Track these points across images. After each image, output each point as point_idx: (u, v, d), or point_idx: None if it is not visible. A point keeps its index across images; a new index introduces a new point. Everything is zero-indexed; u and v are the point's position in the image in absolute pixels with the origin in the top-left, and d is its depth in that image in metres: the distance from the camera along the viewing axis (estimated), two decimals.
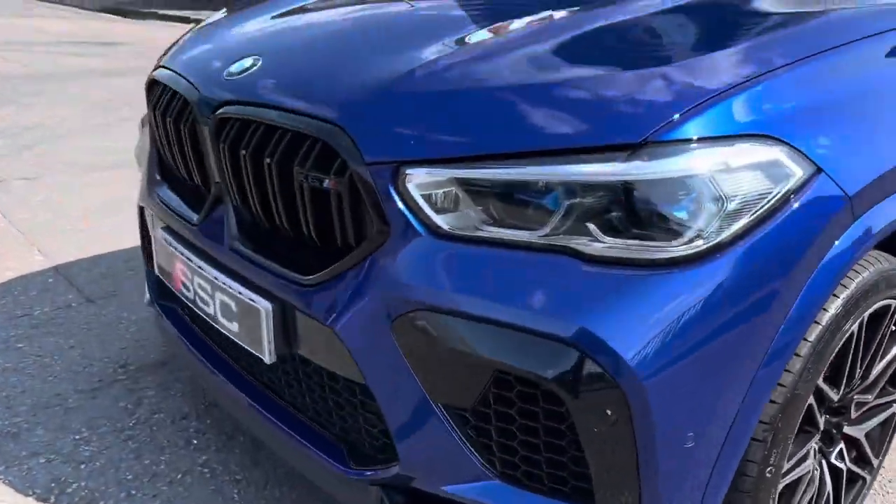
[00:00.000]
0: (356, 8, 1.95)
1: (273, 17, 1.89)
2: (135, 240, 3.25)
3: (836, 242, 1.24)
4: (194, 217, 1.62)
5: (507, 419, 1.24)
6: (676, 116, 1.15)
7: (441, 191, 1.23)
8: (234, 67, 1.53)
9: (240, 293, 1.47)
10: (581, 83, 1.25)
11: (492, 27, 1.54)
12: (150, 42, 10.27)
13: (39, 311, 2.64)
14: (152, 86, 1.80)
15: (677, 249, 1.13)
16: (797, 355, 1.26)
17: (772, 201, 1.17)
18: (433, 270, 1.23)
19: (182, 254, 1.64)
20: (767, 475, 1.33)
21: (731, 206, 1.14)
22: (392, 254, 1.25)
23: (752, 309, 1.17)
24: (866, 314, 1.41)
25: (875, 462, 1.72)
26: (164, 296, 1.99)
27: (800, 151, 1.20)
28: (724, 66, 1.27)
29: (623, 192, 1.14)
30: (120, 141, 4.88)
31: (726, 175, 1.14)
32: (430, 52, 1.40)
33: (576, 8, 1.59)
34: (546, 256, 1.17)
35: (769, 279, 1.17)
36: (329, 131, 1.28)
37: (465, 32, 1.51)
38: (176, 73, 1.68)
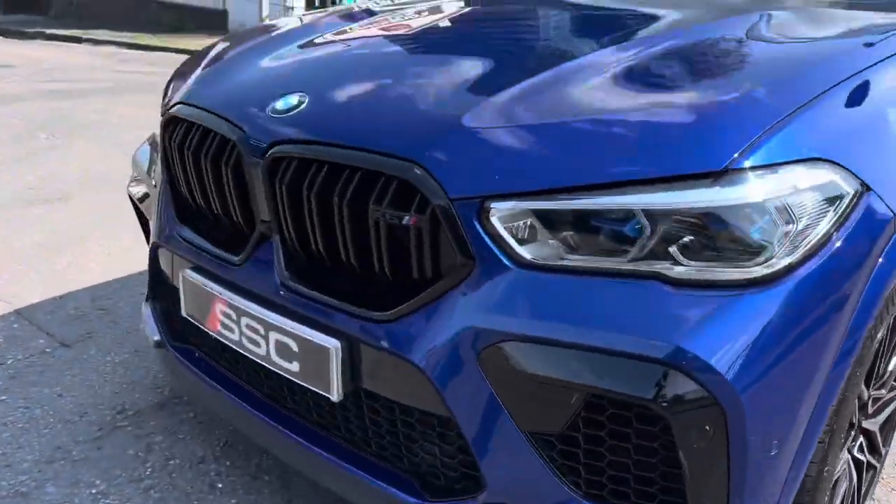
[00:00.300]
0: (388, 36, 1.96)
1: (301, 47, 1.87)
2: (97, 276, 3.15)
3: (882, 254, 1.35)
4: (234, 257, 1.59)
5: (595, 441, 1.28)
6: (748, 144, 1.23)
7: (521, 222, 1.26)
8: (280, 105, 1.51)
9: (301, 332, 1.45)
10: (657, 113, 1.32)
11: (558, 56, 1.59)
12: (43, 62, 9.82)
13: (13, 359, 2.49)
14: (170, 123, 1.75)
15: (757, 269, 1.20)
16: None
17: (832, 220, 1.26)
18: (520, 300, 1.26)
19: (222, 294, 1.60)
20: (825, 474, 1.42)
21: (800, 226, 1.23)
22: (477, 286, 1.27)
23: (823, 319, 1.25)
24: (892, 318, 1.53)
25: (883, 451, 1.86)
26: (180, 338, 1.93)
27: (850, 171, 1.30)
28: (777, 93, 1.36)
29: (705, 218, 1.21)
30: (48, 170, 4.65)
31: (795, 197, 1.23)
32: (500, 84, 1.44)
33: (638, 37, 1.66)
34: (633, 281, 1.22)
35: (836, 291, 1.26)
36: (407, 169, 1.29)
37: (528, 61, 1.56)
38: (206, 110, 1.64)
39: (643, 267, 1.22)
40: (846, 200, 1.28)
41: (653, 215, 1.22)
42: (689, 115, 1.30)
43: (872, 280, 1.33)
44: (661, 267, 1.22)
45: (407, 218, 1.30)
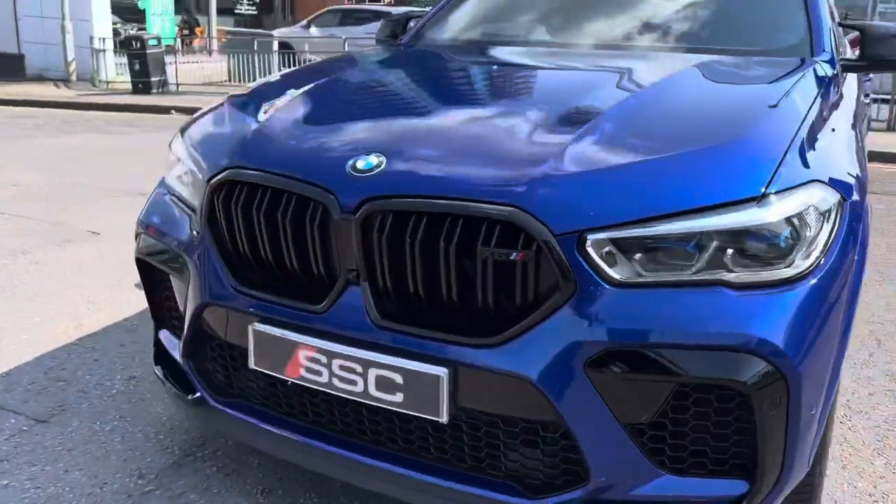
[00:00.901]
0: (431, 81, 2.17)
1: (352, 93, 2.02)
2: (38, 345, 3.00)
3: (857, 245, 1.75)
4: (315, 305, 1.71)
5: (678, 423, 1.56)
6: (773, 174, 1.58)
7: (606, 248, 1.53)
8: (361, 165, 1.67)
9: (407, 365, 1.61)
10: (701, 153, 1.64)
11: (604, 99, 1.90)
12: None
13: None
14: (224, 186, 1.83)
15: (795, 269, 1.55)
16: None
17: (830, 228, 1.64)
18: (617, 314, 1.52)
19: (306, 342, 1.72)
20: (830, 428, 1.80)
21: (814, 232, 1.59)
22: (578, 306, 1.52)
23: (837, 301, 1.62)
24: None
25: None
26: (223, 392, 1.99)
27: (831, 187, 1.68)
28: (773, 133, 1.73)
29: (749, 233, 1.54)
30: None
31: (810, 212, 1.59)
32: (568, 129, 1.71)
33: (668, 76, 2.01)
34: (702, 289, 1.52)
35: (842, 280, 1.64)
36: (512, 213, 1.51)
37: (588, 104, 1.85)
38: (275, 173, 1.75)
39: (706, 276, 1.53)
40: (834, 211, 1.67)
41: (710, 234, 1.53)
42: (728, 154, 1.64)
43: (857, 259, 1.73)
44: (720, 275, 1.53)
45: (514, 254, 1.52)
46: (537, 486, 1.66)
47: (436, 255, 1.58)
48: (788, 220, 1.56)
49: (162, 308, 2.28)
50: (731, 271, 1.53)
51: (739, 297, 1.52)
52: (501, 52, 2.95)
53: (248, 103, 2.22)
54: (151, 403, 2.63)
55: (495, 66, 2.69)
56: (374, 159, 1.68)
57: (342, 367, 1.69)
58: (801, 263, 1.56)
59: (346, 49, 13.35)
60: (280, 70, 13.64)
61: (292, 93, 2.19)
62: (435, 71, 2.67)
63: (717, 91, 2.18)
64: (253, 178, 1.79)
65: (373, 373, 1.66)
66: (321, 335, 1.72)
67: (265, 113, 2.06)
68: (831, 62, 2.55)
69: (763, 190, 1.55)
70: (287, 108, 2.07)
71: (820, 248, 1.60)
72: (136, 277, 2.20)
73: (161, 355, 2.26)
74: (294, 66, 14.26)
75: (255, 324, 1.80)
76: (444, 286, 1.60)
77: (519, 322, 1.54)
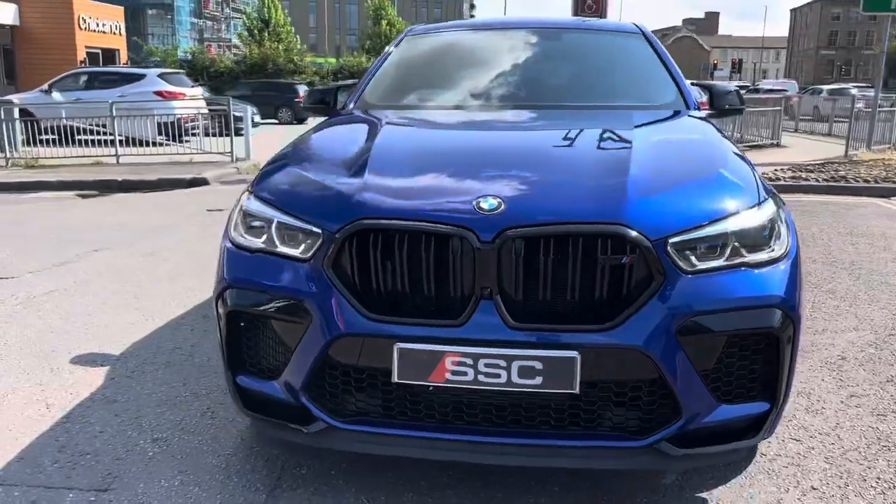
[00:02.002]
0: (485, 135, 2.86)
1: (423, 149, 2.49)
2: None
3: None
4: (453, 320, 2.15)
5: (730, 366, 2.24)
6: (758, 189, 2.36)
7: (678, 248, 2.18)
8: (485, 205, 2.16)
9: (545, 354, 2.11)
10: (716, 177, 2.38)
11: (615, 145, 2.58)
12: None
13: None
14: (357, 234, 2.19)
15: (777, 252, 2.31)
16: None
17: (783, 219, 2.43)
18: (692, 293, 2.16)
19: (451, 350, 2.14)
20: None
21: (779, 225, 2.37)
22: (667, 291, 2.14)
23: (800, 266, 2.41)
24: None
25: None
26: (348, 413, 2.31)
27: (767, 199, 2.48)
28: (738, 159, 2.53)
29: (754, 229, 2.28)
30: None
31: (780, 214, 2.38)
32: (619, 166, 2.41)
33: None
34: (735, 270, 2.23)
35: (797, 253, 2.42)
36: (618, 229, 2.10)
37: (611, 150, 2.52)
38: (408, 220, 2.16)
39: (735, 261, 2.24)
40: (781, 209, 2.48)
41: (732, 233, 2.24)
42: (729, 178, 2.39)
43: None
44: (740, 259, 2.25)
45: (624, 258, 2.11)
46: (642, 430, 2.23)
47: (560, 265, 2.12)
48: (770, 219, 2.33)
49: (243, 356, 2.50)
50: (744, 255, 2.25)
51: (758, 273, 2.25)
52: (478, 114, 3.59)
53: (319, 160, 2.64)
54: (201, 455, 2.78)
55: (505, 123, 3.42)
56: (493, 200, 2.19)
57: (487, 365, 2.14)
58: (777, 248, 2.33)
59: (115, 114, 12.74)
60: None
61: (363, 150, 2.62)
62: (474, 126, 3.37)
63: (675, 133, 2.98)
64: (389, 226, 2.19)
65: (515, 365, 2.13)
66: (463, 343, 2.15)
67: (354, 169, 2.49)
68: (699, 112, 3.49)
69: (759, 200, 2.32)
70: (380, 164, 2.52)
71: (784, 235, 2.38)
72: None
73: (251, 400, 2.48)
74: (42, 133, 13.14)
75: (398, 344, 2.18)
76: (568, 289, 2.14)
77: (627, 308, 2.13)
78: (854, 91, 24.37)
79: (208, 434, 2.95)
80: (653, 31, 4.05)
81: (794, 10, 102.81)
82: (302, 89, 26.34)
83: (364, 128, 3.08)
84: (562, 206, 2.22)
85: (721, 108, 3.72)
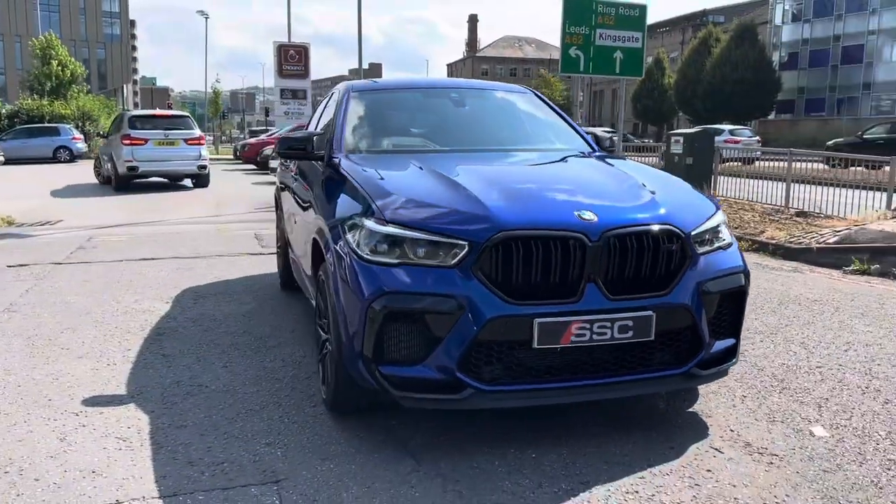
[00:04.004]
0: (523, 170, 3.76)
1: (492, 168, 3.51)
2: None
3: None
4: (571, 298, 3.05)
5: (719, 311, 3.43)
6: (712, 201, 3.63)
7: (694, 238, 3.33)
8: (587, 215, 3.09)
9: (634, 315, 3.10)
10: (690, 190, 3.57)
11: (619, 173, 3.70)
12: None
13: None
14: (500, 244, 2.98)
15: (730, 238, 3.59)
16: None
17: (723, 225, 3.73)
18: (704, 265, 3.32)
19: (574, 319, 3.03)
20: None
21: (722, 227, 3.66)
22: (694, 266, 3.27)
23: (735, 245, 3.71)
24: None
25: None
26: (491, 378, 3.06)
27: (719, 205, 3.78)
28: (683, 181, 3.77)
29: (721, 223, 3.53)
30: None
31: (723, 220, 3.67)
32: (641, 184, 3.47)
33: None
34: (722, 250, 3.45)
35: (734, 242, 3.73)
36: (671, 228, 3.19)
37: (629, 177, 3.62)
38: (541, 229, 3.01)
39: (714, 245, 3.46)
40: (724, 220, 3.77)
41: (714, 228, 3.46)
42: (694, 192, 3.62)
43: None
44: (717, 244, 3.48)
45: (674, 246, 3.20)
46: (681, 361, 3.31)
47: (641, 253, 3.13)
48: (723, 217, 3.61)
49: (385, 350, 3.09)
50: (718, 242, 3.49)
51: (727, 252, 3.50)
52: (471, 155, 4.44)
53: (418, 192, 3.35)
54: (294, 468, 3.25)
55: (500, 160, 4.37)
56: (588, 213, 3.14)
57: (599, 327, 3.07)
58: (729, 236, 3.61)
59: None
60: None
61: (451, 182, 3.43)
62: (486, 161, 4.27)
63: (623, 163, 4.15)
64: (525, 234, 3.02)
65: (616, 325, 3.09)
66: (580, 314, 3.06)
67: (465, 195, 3.30)
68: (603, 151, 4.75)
69: (717, 205, 3.58)
70: (483, 191, 3.30)
71: (724, 229, 3.67)
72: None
73: (398, 383, 3.08)
74: None
75: (537, 320, 3.01)
76: (643, 268, 3.16)
77: (674, 279, 3.22)
78: None
79: None
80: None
81: (449, 65, 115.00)
82: None
83: (416, 170, 3.77)
84: (632, 214, 3.24)
85: (605, 148, 5.02)
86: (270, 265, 7.73)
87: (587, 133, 5.02)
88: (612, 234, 3.10)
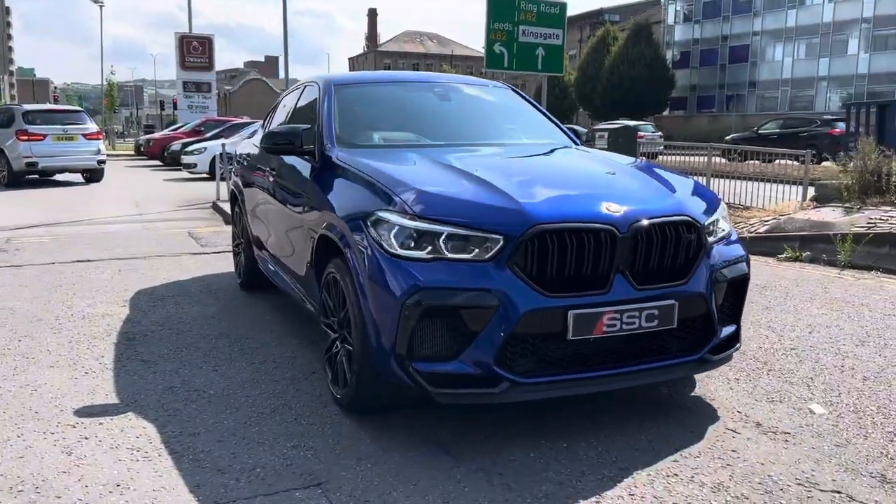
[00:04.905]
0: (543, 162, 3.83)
1: (511, 162, 3.52)
2: None
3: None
4: (601, 289, 3.11)
5: (725, 299, 3.59)
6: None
7: (706, 229, 3.45)
8: (614, 207, 3.15)
9: (658, 304, 3.19)
10: (694, 185, 3.69)
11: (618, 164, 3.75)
12: None
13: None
14: (535, 237, 3.00)
15: (730, 229, 3.75)
16: None
17: (724, 217, 3.88)
18: (718, 253, 3.47)
19: (606, 310, 3.09)
20: None
21: (720, 222, 3.82)
22: (707, 256, 3.40)
23: (733, 236, 3.88)
24: None
25: None
26: (525, 370, 3.08)
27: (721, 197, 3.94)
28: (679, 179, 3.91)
29: (724, 215, 3.68)
30: None
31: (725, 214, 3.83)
32: (657, 181, 3.54)
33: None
34: (727, 241, 3.60)
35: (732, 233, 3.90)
36: (689, 219, 3.30)
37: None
38: (573, 222, 3.04)
39: (719, 236, 3.60)
40: (726, 211, 3.93)
41: (717, 219, 3.61)
42: (695, 185, 3.72)
43: None
44: (722, 235, 3.63)
45: (692, 236, 3.31)
46: (695, 348, 3.43)
47: (665, 243, 3.23)
48: (723, 215, 3.76)
49: (417, 347, 3.06)
50: (723, 233, 3.64)
51: (733, 240, 3.65)
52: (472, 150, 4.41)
53: (446, 188, 3.31)
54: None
55: (501, 154, 4.36)
56: (614, 205, 3.20)
57: (628, 317, 3.15)
58: (730, 227, 3.77)
59: None
60: None
61: (475, 178, 3.41)
62: (495, 156, 4.24)
63: (616, 157, 4.25)
64: (559, 227, 3.05)
65: (644, 314, 3.18)
66: (610, 304, 3.13)
67: (493, 191, 3.28)
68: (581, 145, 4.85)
69: (719, 199, 3.73)
70: (511, 187, 3.30)
71: (723, 221, 3.83)
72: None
73: (431, 379, 3.05)
74: None
75: (571, 311, 3.06)
76: (665, 258, 3.25)
77: (691, 268, 3.33)
78: None
79: None
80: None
81: (351, 59, 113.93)
82: None
83: (426, 162, 3.74)
84: (655, 206, 3.32)
85: (583, 142, 5.11)
86: (218, 265, 7.50)
87: (567, 128, 5.11)
88: (639, 225, 3.18)
